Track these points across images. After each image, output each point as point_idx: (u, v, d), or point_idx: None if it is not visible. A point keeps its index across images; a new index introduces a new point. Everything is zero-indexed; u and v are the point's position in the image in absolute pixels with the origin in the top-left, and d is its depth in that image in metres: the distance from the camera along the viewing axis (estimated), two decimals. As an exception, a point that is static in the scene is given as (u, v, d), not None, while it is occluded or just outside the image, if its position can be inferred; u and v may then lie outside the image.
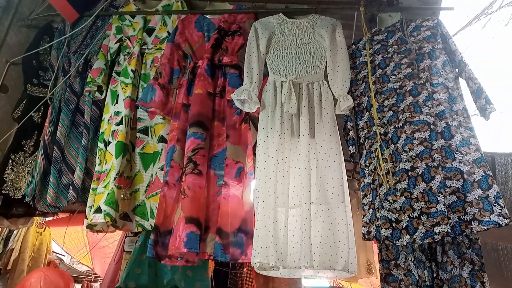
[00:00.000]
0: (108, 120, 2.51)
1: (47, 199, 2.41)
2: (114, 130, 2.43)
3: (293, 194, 2.05)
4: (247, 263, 5.20)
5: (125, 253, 3.21)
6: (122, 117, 2.42)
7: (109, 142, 2.42)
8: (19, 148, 2.65)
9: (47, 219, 5.07)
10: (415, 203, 1.84)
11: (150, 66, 2.62)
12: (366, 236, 2.01)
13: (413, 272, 1.98)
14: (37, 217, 4.54)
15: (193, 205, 2.06)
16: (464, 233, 1.74)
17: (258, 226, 1.98)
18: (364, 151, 2.15)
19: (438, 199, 1.78)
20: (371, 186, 2.05)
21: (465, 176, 1.79)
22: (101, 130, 2.52)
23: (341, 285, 5.24)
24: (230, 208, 2.16)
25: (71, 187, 2.40)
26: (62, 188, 2.49)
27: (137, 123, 2.52)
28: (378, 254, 2.10)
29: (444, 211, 1.76)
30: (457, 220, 1.74)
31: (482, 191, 1.74)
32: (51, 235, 4.85)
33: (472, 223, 1.71)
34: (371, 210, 2.02)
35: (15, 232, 4.30)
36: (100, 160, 2.40)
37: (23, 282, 1.87)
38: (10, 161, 2.59)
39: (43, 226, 4.64)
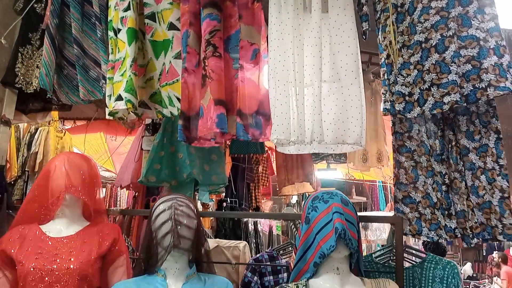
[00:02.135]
0: (115, 7, 2.39)
1: (80, 96, 2.43)
2: (123, 16, 2.32)
3: (306, 72, 2.01)
4: (262, 161, 5.37)
5: (144, 151, 3.33)
6: (129, 2, 2.30)
7: (119, 30, 2.33)
8: (26, 41, 2.59)
9: (66, 126, 5.21)
10: (426, 75, 1.83)
11: None
12: (383, 112, 2.04)
13: (425, 142, 2.01)
14: (56, 122, 4.67)
15: (220, 88, 2.10)
16: (479, 100, 1.73)
17: (274, 104, 1.97)
18: (380, 25, 2.07)
19: (451, 69, 1.76)
20: (386, 61, 2.01)
21: (481, 43, 1.74)
22: (109, 18, 2.41)
23: (353, 177, 5.42)
24: (247, 91, 2.16)
25: (103, 80, 2.39)
26: (94, 82, 2.47)
27: (144, 8, 2.41)
28: (391, 127, 2.11)
29: (456, 81, 1.75)
30: (472, 88, 1.73)
31: (497, 58, 1.71)
32: (72, 140, 5.00)
33: (488, 89, 1.69)
34: (386, 86, 2.02)
35: (36, 136, 4.43)
36: (112, 49, 2.33)
37: (48, 165, 1.92)
38: (19, 54, 2.56)
39: (63, 131, 4.76)
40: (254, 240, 3.88)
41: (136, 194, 4.03)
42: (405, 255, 1.82)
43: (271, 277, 1.92)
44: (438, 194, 1.93)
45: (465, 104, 1.76)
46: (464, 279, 8.78)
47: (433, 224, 1.90)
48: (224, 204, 4.00)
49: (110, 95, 2.25)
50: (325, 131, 1.90)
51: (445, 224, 1.88)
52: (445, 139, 1.99)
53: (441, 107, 1.78)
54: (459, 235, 1.84)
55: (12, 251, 1.73)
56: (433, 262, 1.79)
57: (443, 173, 1.95)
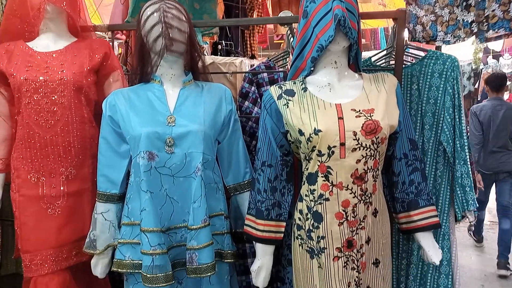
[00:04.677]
0: None
1: None
2: None
3: None
4: (256, 6, 5.06)
5: (129, -7, 3.08)
6: None
7: None
8: None
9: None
10: None
11: None
12: None
13: None
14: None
15: None
16: None
17: None
18: None
19: None
20: None
21: None
22: None
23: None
24: None
25: None
26: None
27: None
28: None
29: None
30: None
31: None
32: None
33: None
34: None
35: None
36: None
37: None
38: None
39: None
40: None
41: (128, 40, 3.90)
42: (406, 58, 1.77)
43: (269, 87, 1.90)
44: None
45: None
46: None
47: (450, 26, 1.77)
48: (219, 46, 3.87)
49: None
50: None
51: (463, 19, 1.75)
52: None
53: None
54: (475, 30, 1.72)
55: (1, 65, 1.68)
56: (434, 58, 1.75)
57: None
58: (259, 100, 1.89)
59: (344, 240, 1.38)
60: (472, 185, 1.69)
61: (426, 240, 1.53)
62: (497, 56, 7.74)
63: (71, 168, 1.69)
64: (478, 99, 8.08)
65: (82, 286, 1.82)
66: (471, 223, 1.67)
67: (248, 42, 5.04)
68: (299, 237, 1.46)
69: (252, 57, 5.04)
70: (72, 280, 1.73)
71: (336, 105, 1.41)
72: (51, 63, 1.69)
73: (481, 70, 7.98)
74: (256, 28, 5.12)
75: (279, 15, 1.83)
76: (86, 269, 1.72)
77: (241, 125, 1.75)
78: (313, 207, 1.40)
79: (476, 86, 8.38)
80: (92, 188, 1.72)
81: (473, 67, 8.31)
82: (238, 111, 1.90)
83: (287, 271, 1.68)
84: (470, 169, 1.69)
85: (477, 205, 1.70)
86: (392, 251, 1.60)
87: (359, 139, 1.35)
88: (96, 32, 1.97)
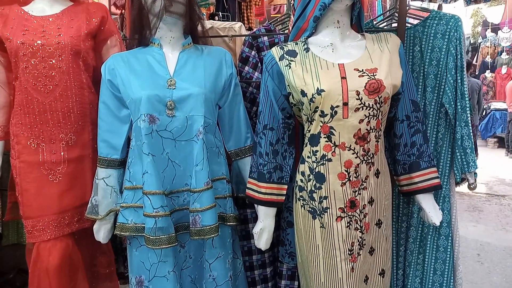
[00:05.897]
0: None
1: None
2: None
3: None
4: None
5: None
6: None
7: None
8: None
9: None
10: None
11: None
12: None
13: None
14: None
15: None
16: None
17: None
18: None
19: None
20: None
21: None
22: None
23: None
24: None
25: None
26: None
27: None
28: None
29: None
30: None
31: None
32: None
33: None
34: None
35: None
36: None
37: None
38: None
39: None
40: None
41: (123, 11, 3.84)
42: (407, 20, 1.74)
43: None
44: None
45: None
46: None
47: None
48: (216, 18, 3.82)
49: None
50: None
51: None
52: None
53: None
54: None
55: (-4, 29, 1.65)
56: (437, 18, 1.72)
57: None
58: (259, 65, 1.87)
59: (347, 200, 1.38)
60: (473, 147, 1.70)
61: (426, 202, 1.54)
62: (495, 29, 7.68)
63: (71, 134, 1.68)
64: (476, 73, 8.05)
65: (85, 252, 1.83)
66: (472, 185, 1.69)
67: (245, 14, 4.98)
68: (301, 198, 1.46)
69: (249, 29, 4.99)
70: (74, 246, 1.73)
71: (339, 65, 1.39)
72: (48, 27, 1.66)
73: (479, 44, 7.92)
74: (253, 0, 5.05)
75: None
76: (88, 235, 1.73)
77: (242, 90, 1.73)
78: (315, 168, 1.40)
79: (474, 61, 8.34)
80: (93, 155, 1.71)
81: (471, 41, 8.25)
82: (238, 76, 1.88)
83: (287, 232, 1.69)
84: (471, 131, 1.70)
85: (477, 167, 1.71)
86: (392, 214, 1.61)
87: (362, 98, 1.34)
88: None
